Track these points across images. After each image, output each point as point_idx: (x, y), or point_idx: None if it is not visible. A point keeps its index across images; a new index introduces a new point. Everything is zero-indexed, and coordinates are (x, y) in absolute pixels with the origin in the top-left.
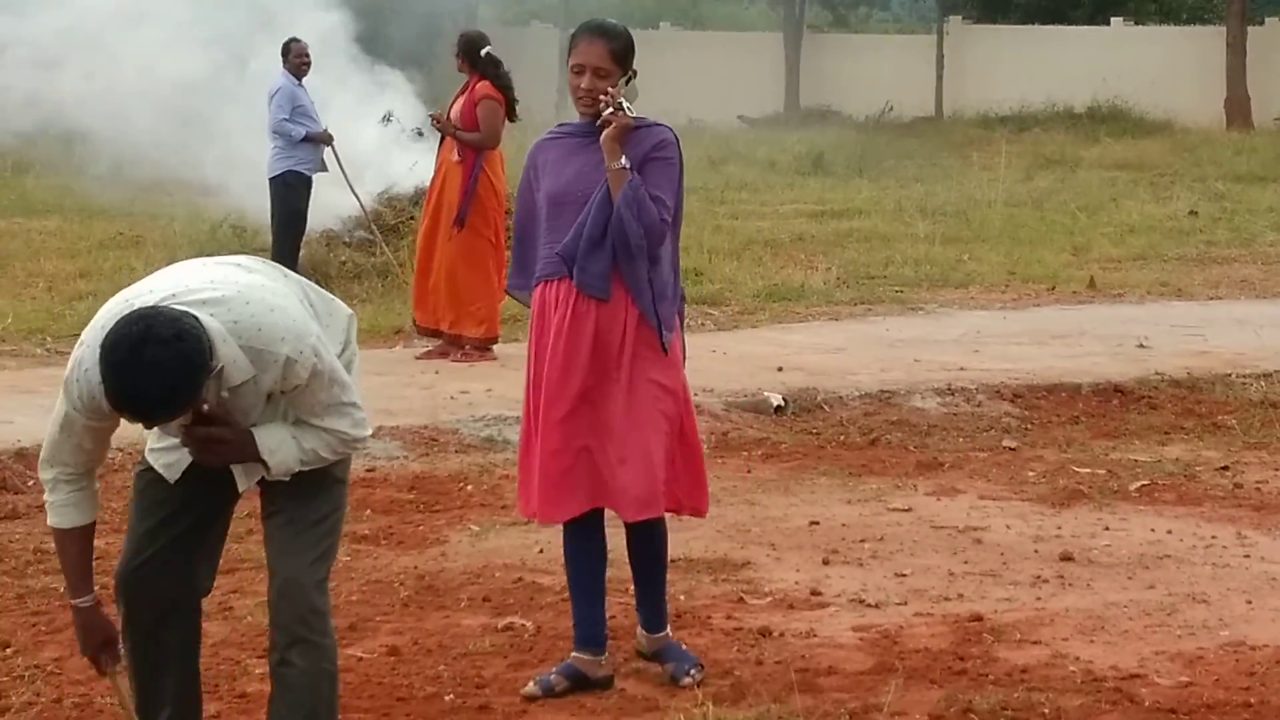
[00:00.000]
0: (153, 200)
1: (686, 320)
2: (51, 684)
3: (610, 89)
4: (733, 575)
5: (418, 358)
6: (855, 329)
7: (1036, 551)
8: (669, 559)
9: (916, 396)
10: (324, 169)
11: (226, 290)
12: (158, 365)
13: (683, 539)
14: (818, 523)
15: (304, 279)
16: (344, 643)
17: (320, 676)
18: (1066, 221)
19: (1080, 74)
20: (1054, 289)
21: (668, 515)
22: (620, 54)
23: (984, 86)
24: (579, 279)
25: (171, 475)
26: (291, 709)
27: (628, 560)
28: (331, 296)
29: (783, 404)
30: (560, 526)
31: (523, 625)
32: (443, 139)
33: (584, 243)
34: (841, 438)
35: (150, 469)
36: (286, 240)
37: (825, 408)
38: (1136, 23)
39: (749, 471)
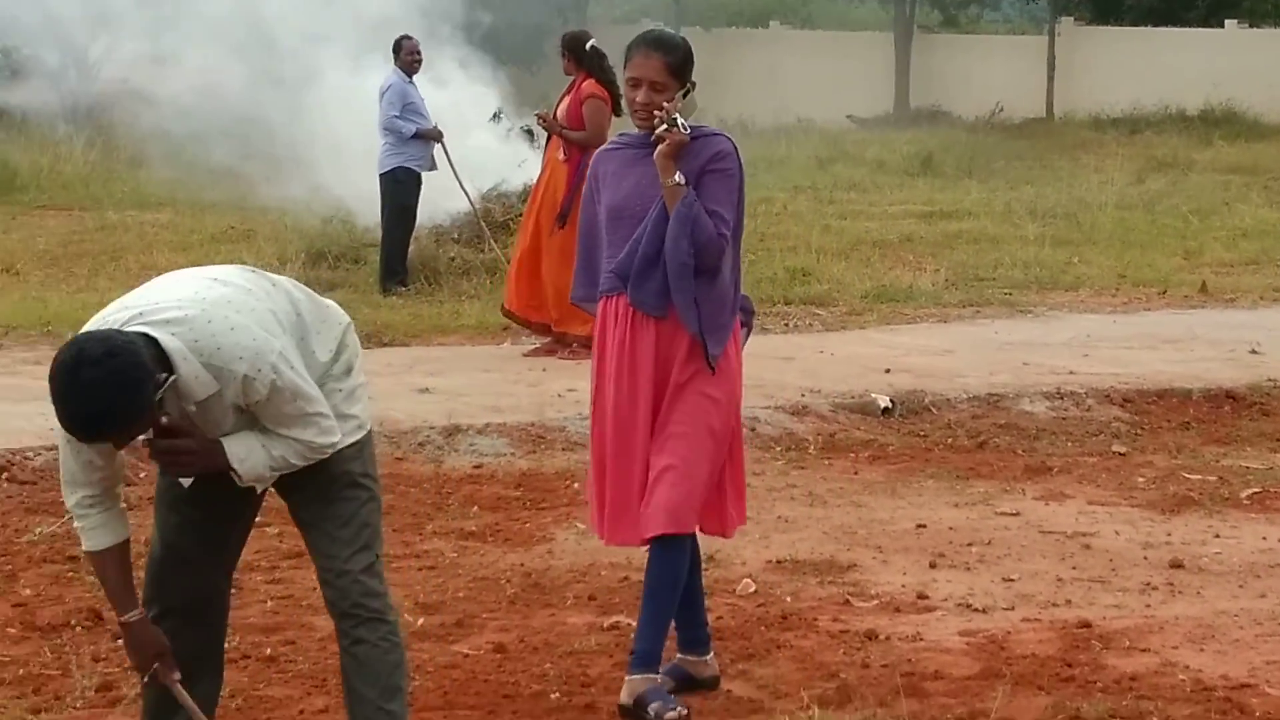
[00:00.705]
0: (264, 194)
1: (794, 320)
2: None
3: (666, 103)
4: (839, 577)
5: (525, 355)
6: (963, 331)
7: (1146, 558)
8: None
9: (1025, 400)
10: (433, 167)
11: (190, 310)
12: (93, 384)
13: (789, 540)
14: (925, 526)
15: (299, 286)
16: (450, 639)
17: (390, 649)
18: (1178, 225)
19: (1193, 76)
20: (1165, 293)
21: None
22: (677, 67)
23: (1096, 88)
24: (634, 297)
25: (185, 479)
26: (366, 682)
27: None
28: (328, 303)
29: (890, 406)
30: None
31: (629, 624)
32: (549, 137)
33: (639, 260)
34: (949, 440)
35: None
36: (396, 236)
37: (933, 410)
38: (1251, 25)
39: (856, 473)
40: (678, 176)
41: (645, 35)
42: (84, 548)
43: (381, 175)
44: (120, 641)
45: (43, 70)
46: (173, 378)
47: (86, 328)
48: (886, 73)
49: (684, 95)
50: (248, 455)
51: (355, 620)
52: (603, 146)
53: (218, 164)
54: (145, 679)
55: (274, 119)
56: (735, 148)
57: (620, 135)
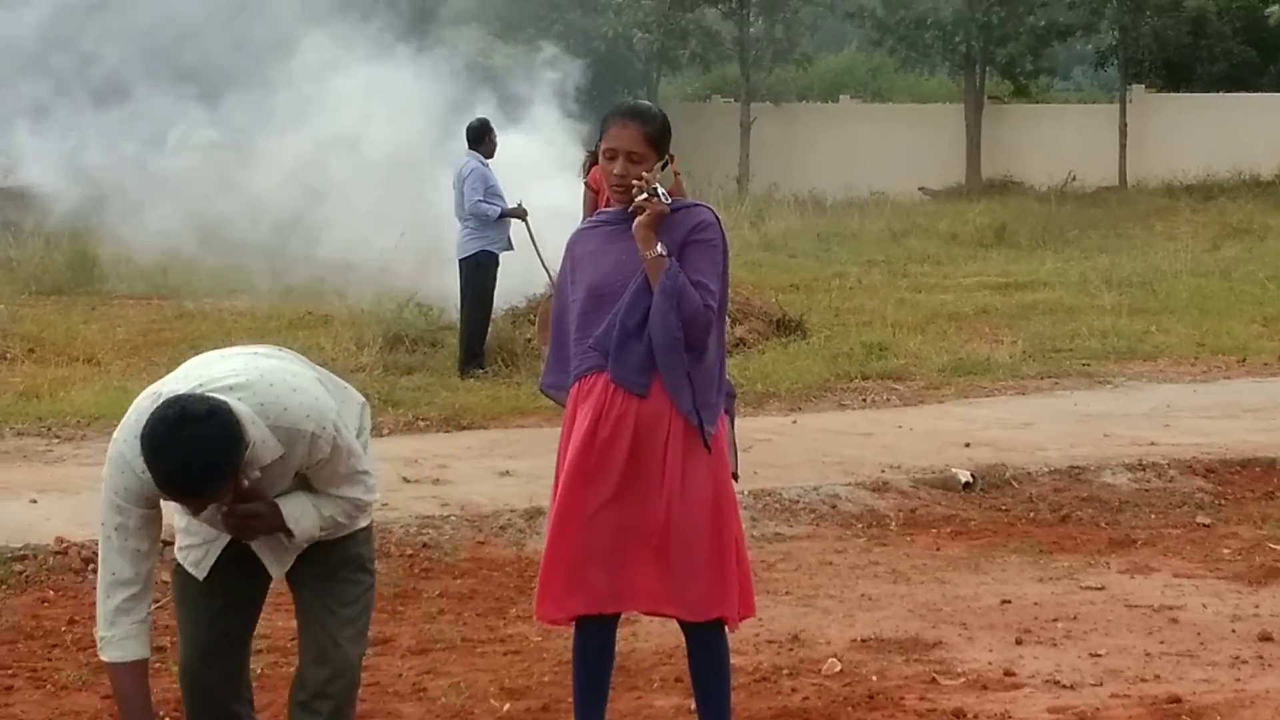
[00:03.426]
0: (338, 280)
1: (871, 396)
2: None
3: (645, 174)
4: (925, 655)
5: None
6: (1042, 403)
7: (1234, 631)
8: (730, 674)
9: (1107, 472)
10: (510, 248)
11: (250, 375)
12: (198, 439)
13: (874, 618)
14: (1009, 601)
15: (320, 369)
16: None
17: None
18: (1255, 291)
19: (1266, 141)
20: (1244, 361)
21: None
22: (655, 137)
23: (1168, 155)
24: (614, 373)
25: (200, 573)
26: None
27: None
28: (344, 384)
29: (971, 480)
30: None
31: None
32: None
33: (618, 334)
34: (1031, 514)
35: (182, 567)
36: (476, 319)
37: (1014, 484)
38: None
39: (938, 549)
40: (659, 248)
41: (620, 107)
42: (109, 659)
43: (462, 260)
44: None
45: (121, 160)
46: (252, 444)
47: (144, 403)
48: (958, 144)
49: (662, 167)
50: (301, 515)
51: (320, 692)
52: (580, 225)
53: (293, 252)
54: None
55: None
56: (718, 218)
57: (598, 213)
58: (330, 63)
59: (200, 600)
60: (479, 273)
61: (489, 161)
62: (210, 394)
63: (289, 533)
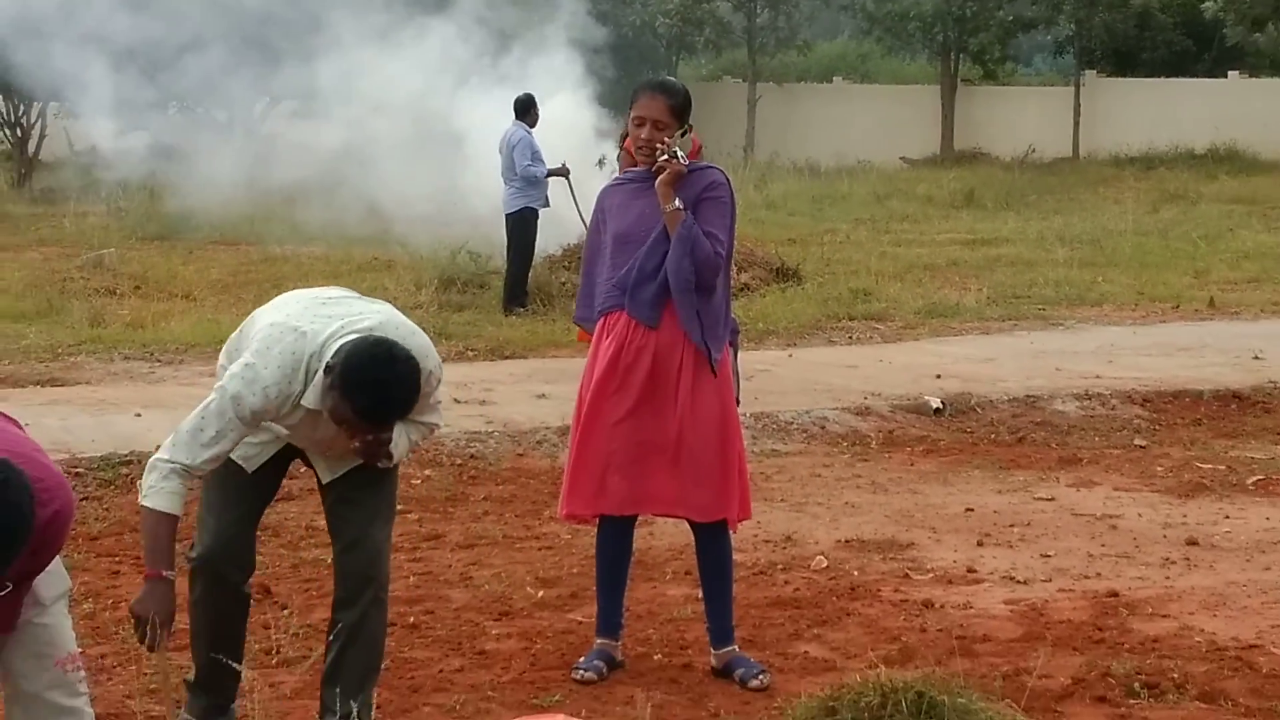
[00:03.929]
0: (400, 230)
1: (856, 334)
2: (320, 640)
3: (666, 139)
4: (899, 554)
5: None
6: (1003, 342)
7: (1165, 536)
8: (732, 571)
9: (1058, 401)
10: (548, 205)
11: (380, 319)
12: (403, 378)
13: (855, 523)
14: (972, 509)
15: None
16: (565, 609)
17: (383, 632)
18: (1188, 249)
19: (1201, 120)
20: (1178, 307)
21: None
22: (678, 109)
23: (1115, 131)
24: (630, 307)
25: (251, 465)
26: (359, 655)
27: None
28: None
29: (941, 407)
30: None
31: None
32: None
33: (636, 274)
34: (992, 436)
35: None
36: (519, 266)
37: (978, 410)
38: (1251, 75)
39: (912, 465)
40: (677, 202)
41: (649, 81)
42: (149, 504)
43: (509, 215)
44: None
45: (214, 125)
46: None
47: (287, 338)
48: (934, 120)
49: (682, 134)
50: (398, 440)
51: (369, 599)
52: (608, 182)
53: (363, 204)
54: (144, 635)
55: (411, 165)
56: (728, 179)
57: (625, 171)
58: (373, 34)
59: (236, 484)
60: (523, 226)
61: (532, 130)
62: (347, 336)
63: (389, 455)
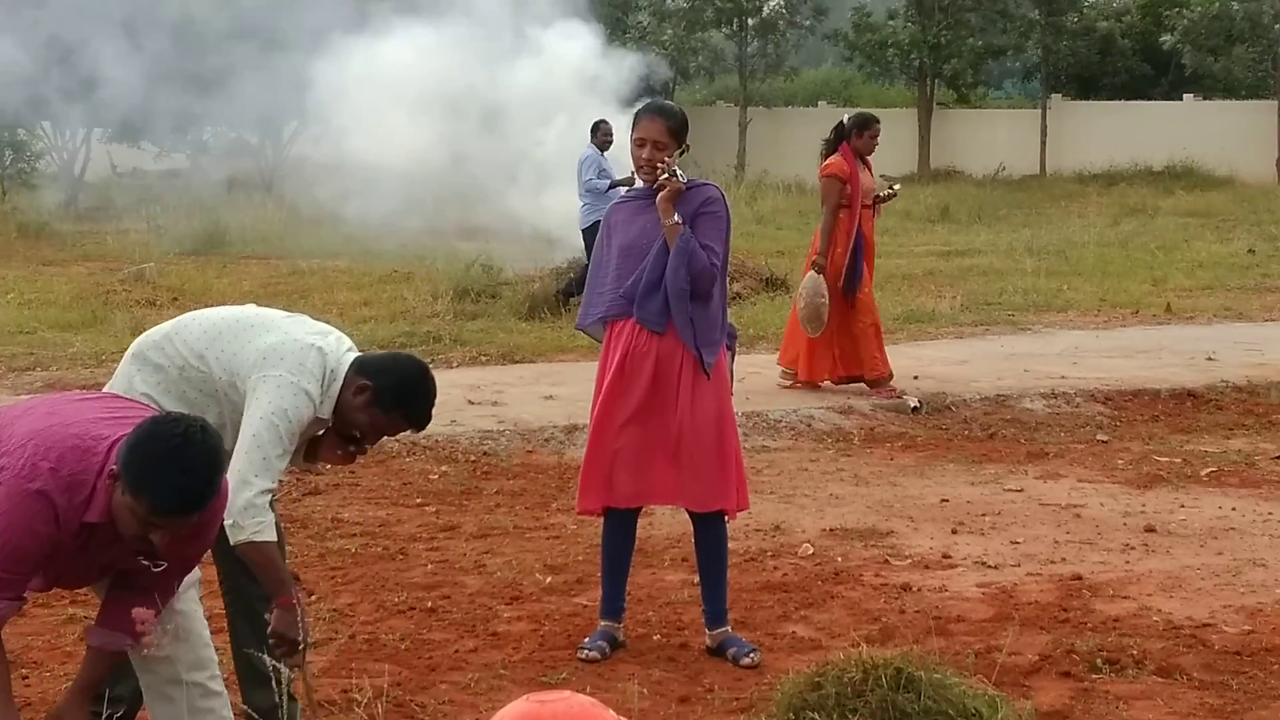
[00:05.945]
0: (420, 244)
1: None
2: (346, 624)
3: (666, 159)
4: (879, 542)
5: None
6: (976, 345)
7: (1125, 524)
8: (728, 557)
9: (1026, 399)
10: None
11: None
12: (434, 392)
13: (839, 513)
14: (947, 500)
15: None
16: (571, 594)
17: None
18: (1147, 259)
19: (1158, 140)
20: (1137, 313)
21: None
22: (676, 130)
23: (1079, 150)
24: (639, 315)
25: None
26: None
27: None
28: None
29: (918, 405)
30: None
31: None
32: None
33: (643, 285)
34: (966, 432)
35: None
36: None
37: (952, 408)
38: (1205, 98)
39: (891, 459)
40: (676, 217)
41: (649, 104)
42: (262, 539)
43: (584, 230)
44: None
45: (246, 149)
46: None
47: (310, 356)
48: (912, 140)
49: (680, 154)
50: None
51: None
52: (615, 200)
53: (382, 220)
54: (286, 660)
55: (431, 184)
56: (723, 195)
57: (631, 190)
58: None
59: None
60: (594, 238)
61: (604, 151)
62: (348, 354)
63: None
